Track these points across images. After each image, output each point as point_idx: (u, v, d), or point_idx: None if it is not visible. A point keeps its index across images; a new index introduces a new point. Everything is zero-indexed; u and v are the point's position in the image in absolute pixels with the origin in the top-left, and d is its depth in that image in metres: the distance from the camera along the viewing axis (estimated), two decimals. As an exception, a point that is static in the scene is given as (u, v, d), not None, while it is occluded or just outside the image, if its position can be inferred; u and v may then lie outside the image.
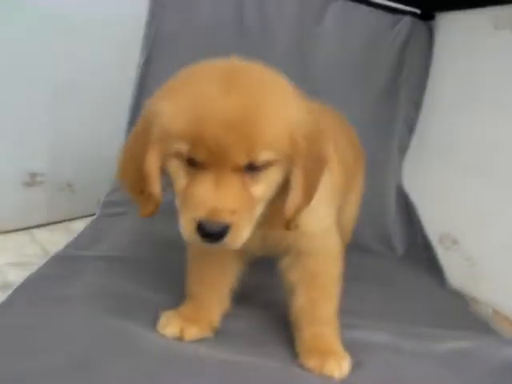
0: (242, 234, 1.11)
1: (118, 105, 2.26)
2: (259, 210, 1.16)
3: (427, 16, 2.58)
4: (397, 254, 2.49)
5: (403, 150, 2.62)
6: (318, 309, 1.38)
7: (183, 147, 1.08)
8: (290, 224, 1.22)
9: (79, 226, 2.01)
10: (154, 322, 1.37)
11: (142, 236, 1.99)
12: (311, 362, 1.30)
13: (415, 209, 2.53)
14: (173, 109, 1.09)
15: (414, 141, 2.62)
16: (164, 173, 1.17)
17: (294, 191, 1.16)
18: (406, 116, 2.59)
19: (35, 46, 1.95)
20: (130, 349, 1.19)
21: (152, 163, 1.14)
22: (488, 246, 2.16)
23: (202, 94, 1.08)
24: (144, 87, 2.30)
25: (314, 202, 1.23)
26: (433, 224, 2.46)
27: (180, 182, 1.13)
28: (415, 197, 2.56)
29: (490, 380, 1.37)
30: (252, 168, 1.10)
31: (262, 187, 1.13)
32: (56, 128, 2.03)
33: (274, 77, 1.19)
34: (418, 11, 2.59)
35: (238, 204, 1.09)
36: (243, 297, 1.53)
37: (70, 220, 2.13)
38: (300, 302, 1.38)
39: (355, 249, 2.07)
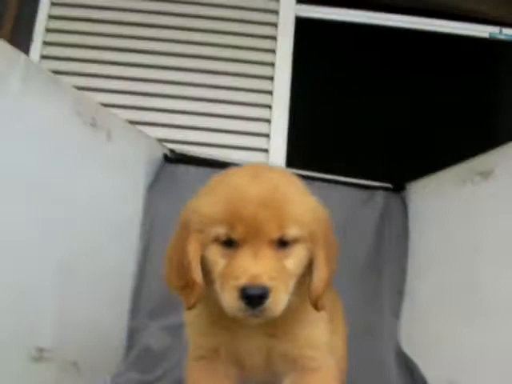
0: (281, 299, 1.21)
1: (121, 288, 2.42)
2: (293, 283, 1.26)
3: (399, 187, 2.84)
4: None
5: (396, 313, 2.69)
6: None
7: (221, 230, 1.23)
8: (317, 303, 1.31)
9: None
10: None
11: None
12: None
13: (416, 366, 2.51)
14: (210, 200, 1.26)
15: (406, 303, 2.68)
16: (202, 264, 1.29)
17: (319, 270, 1.29)
18: (393, 283, 2.70)
19: (40, 224, 2.02)
20: None
21: (193, 252, 1.28)
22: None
23: (235, 184, 1.28)
24: (143, 273, 2.49)
25: (316, 316, 1.37)
26: (436, 375, 2.40)
27: (219, 264, 1.25)
28: (416, 352, 2.55)
29: None
30: (283, 243, 1.25)
31: (293, 261, 1.27)
32: (63, 304, 2.08)
33: (289, 173, 1.46)
34: (389, 185, 2.85)
35: (276, 271, 1.21)
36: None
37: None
38: None
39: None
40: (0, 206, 1.88)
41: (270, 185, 1.28)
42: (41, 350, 2.02)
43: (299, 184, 1.41)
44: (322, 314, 1.42)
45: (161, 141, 2.73)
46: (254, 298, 1.17)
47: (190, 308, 1.34)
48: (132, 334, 2.43)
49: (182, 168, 2.68)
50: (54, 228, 2.08)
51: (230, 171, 1.37)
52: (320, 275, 1.30)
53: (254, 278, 1.17)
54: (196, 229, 1.27)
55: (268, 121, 3.03)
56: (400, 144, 3.58)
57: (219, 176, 1.36)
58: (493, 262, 2.15)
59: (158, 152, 2.65)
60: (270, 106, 3.05)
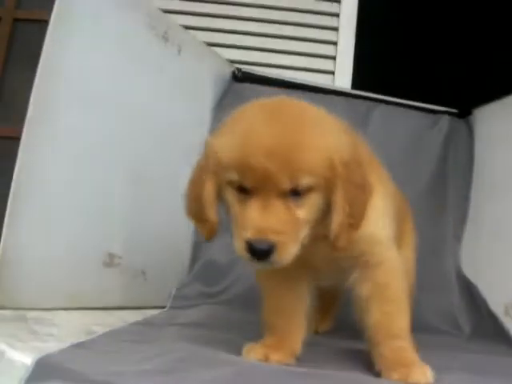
0: (288, 252, 1.20)
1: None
2: (305, 231, 1.25)
3: (465, 113, 2.82)
4: (464, 332, 2.47)
5: (458, 237, 2.70)
6: (395, 322, 1.39)
7: (234, 176, 1.22)
8: (335, 244, 1.28)
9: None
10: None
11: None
12: (396, 375, 1.30)
13: (477, 289, 2.54)
14: (224, 143, 1.24)
15: (469, 228, 2.68)
16: (222, 201, 1.31)
17: (336, 214, 1.25)
18: (456, 207, 2.71)
19: (116, 136, 2.09)
20: (213, 360, 1.22)
21: (209, 192, 1.29)
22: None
23: (248, 128, 1.24)
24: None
25: (378, 212, 1.37)
26: (495, 297, 2.43)
27: (234, 208, 1.25)
28: (476, 275, 2.58)
29: None
30: (295, 193, 1.21)
31: (305, 210, 1.23)
32: (133, 215, 2.16)
33: (314, 110, 1.36)
34: (455, 110, 2.84)
35: (283, 225, 1.19)
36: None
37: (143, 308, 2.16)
38: (375, 317, 1.38)
39: (423, 330, 2.01)
40: (78, 117, 1.96)
41: (284, 128, 1.23)
42: (112, 255, 2.12)
43: (323, 124, 1.31)
44: (385, 210, 1.44)
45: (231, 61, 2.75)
46: (258, 252, 1.17)
47: (207, 240, 1.40)
48: (197, 247, 2.50)
49: (248, 87, 2.70)
50: (128, 139, 2.14)
51: (250, 107, 1.34)
52: (337, 219, 1.26)
53: (259, 233, 1.17)
54: (213, 170, 1.28)
55: (334, 43, 3.01)
56: (467, 69, 3.52)
57: (238, 112, 1.34)
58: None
59: (226, 70, 2.68)
60: (336, 29, 3.02)
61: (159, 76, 2.27)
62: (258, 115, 1.27)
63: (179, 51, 2.34)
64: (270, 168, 1.18)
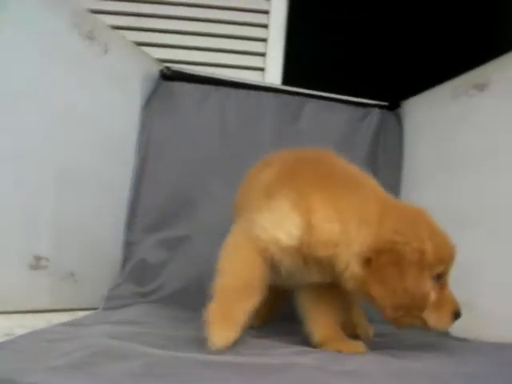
0: None
1: (118, 201, 2.47)
2: None
3: (394, 105, 2.86)
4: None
5: None
6: None
7: (441, 269, 1.44)
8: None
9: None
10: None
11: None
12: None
13: None
14: (438, 245, 1.43)
15: None
16: None
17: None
18: None
19: (41, 135, 2.05)
20: (127, 354, 1.21)
21: (429, 290, 1.43)
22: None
23: (439, 232, 1.48)
24: (140, 188, 2.52)
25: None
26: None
27: (429, 296, 1.42)
28: None
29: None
30: None
31: None
32: (61, 216, 2.12)
33: None
34: (385, 103, 2.87)
35: None
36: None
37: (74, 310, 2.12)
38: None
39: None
40: (1, 117, 1.90)
41: None
42: (38, 258, 2.06)
43: None
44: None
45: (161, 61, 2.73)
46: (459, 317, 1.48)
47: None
48: (128, 248, 2.48)
49: (177, 85, 2.68)
50: (53, 138, 2.10)
51: (420, 215, 1.51)
52: None
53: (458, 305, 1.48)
54: (427, 268, 1.41)
55: (264, 40, 3.01)
56: (399, 62, 3.54)
57: (413, 215, 1.49)
58: (483, 173, 2.18)
59: (154, 69, 2.65)
60: (266, 26, 3.03)
61: (86, 76, 2.24)
62: (431, 221, 1.50)
63: (106, 50, 2.31)
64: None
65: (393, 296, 1.37)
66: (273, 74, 2.98)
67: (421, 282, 1.39)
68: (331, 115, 2.78)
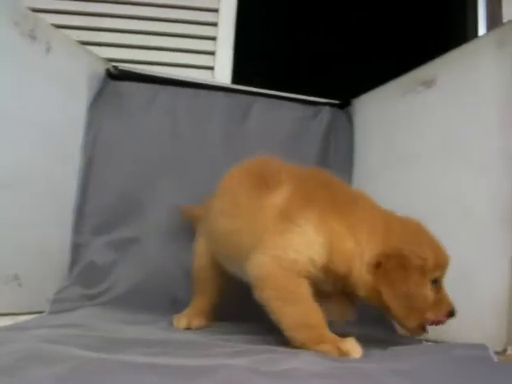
0: None
1: (64, 204, 2.41)
2: None
3: (345, 103, 2.86)
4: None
5: None
6: None
7: (439, 273, 1.60)
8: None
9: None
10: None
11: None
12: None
13: None
14: (436, 252, 1.61)
15: None
16: None
17: None
18: None
19: None
20: (58, 357, 1.18)
21: (430, 295, 1.59)
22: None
23: (434, 240, 1.64)
24: (86, 189, 2.47)
25: None
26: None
27: (429, 298, 1.57)
28: None
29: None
30: None
31: None
32: (3, 219, 2.06)
33: None
34: (336, 101, 2.87)
35: None
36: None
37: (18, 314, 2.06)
38: None
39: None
40: None
41: None
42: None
43: None
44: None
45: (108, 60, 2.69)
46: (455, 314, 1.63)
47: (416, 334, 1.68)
48: (76, 250, 2.43)
49: (125, 85, 2.64)
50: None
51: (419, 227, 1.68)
52: None
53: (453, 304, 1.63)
54: (428, 273, 1.57)
55: (214, 38, 2.99)
56: (350, 60, 3.55)
57: (414, 226, 1.67)
58: (433, 167, 2.20)
59: (100, 68, 2.60)
60: (215, 24, 3.00)
61: (28, 75, 2.18)
62: (428, 232, 1.67)
63: (48, 49, 2.27)
64: None
65: (400, 297, 1.52)
66: (222, 72, 2.95)
67: (422, 286, 1.55)
68: (280, 113, 2.77)
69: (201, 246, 2.12)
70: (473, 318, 1.81)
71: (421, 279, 1.54)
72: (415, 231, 1.63)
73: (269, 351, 1.44)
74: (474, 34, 3.25)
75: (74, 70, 2.45)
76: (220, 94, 2.74)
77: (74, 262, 2.41)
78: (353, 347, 1.48)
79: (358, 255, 1.57)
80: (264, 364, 1.24)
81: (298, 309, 1.52)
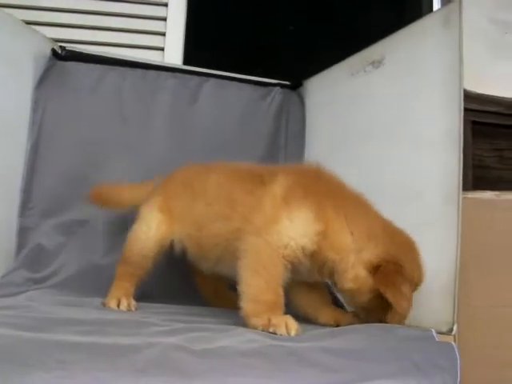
0: None
1: (10, 186, 2.36)
2: None
3: (296, 84, 2.85)
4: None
5: None
6: None
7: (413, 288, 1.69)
8: None
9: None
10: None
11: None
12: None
13: None
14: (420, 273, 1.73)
15: None
16: None
17: None
18: None
19: None
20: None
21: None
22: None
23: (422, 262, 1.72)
24: (33, 171, 2.42)
25: None
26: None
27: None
28: None
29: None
30: None
31: None
32: None
33: None
34: (287, 83, 2.86)
35: None
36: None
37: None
38: None
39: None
40: None
41: None
42: None
43: None
44: None
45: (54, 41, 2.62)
46: None
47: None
48: (23, 234, 2.39)
49: (72, 65, 2.58)
50: None
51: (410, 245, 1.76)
52: None
53: None
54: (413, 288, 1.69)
55: (164, 19, 2.95)
56: (302, 41, 3.52)
57: (409, 243, 1.75)
58: (380, 147, 2.22)
59: (46, 48, 2.54)
60: (166, 4, 2.96)
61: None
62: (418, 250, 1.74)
63: (-11, 28, 2.22)
64: None
65: (402, 294, 1.61)
66: (173, 53, 2.92)
67: (410, 295, 1.64)
68: (230, 94, 2.75)
69: (157, 221, 2.13)
70: (422, 298, 1.79)
71: (409, 289, 1.64)
72: (410, 248, 1.72)
73: (203, 329, 1.44)
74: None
75: (17, 49, 2.39)
76: (169, 74, 2.70)
77: (20, 245, 2.37)
78: (285, 323, 1.51)
79: (353, 249, 1.66)
80: (195, 342, 1.23)
81: (261, 283, 1.60)
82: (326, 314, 1.87)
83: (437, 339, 1.48)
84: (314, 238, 1.65)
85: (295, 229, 1.65)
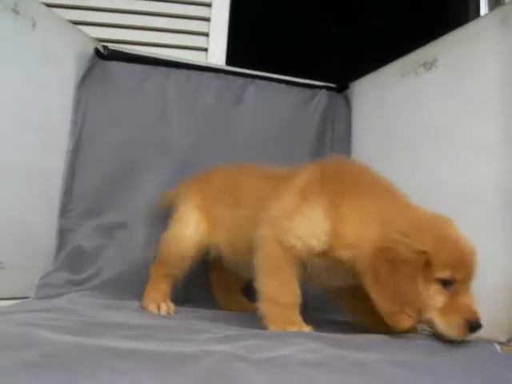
0: None
1: (51, 187, 2.32)
2: None
3: (342, 87, 2.79)
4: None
5: None
6: None
7: (452, 274, 1.45)
8: None
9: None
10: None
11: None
12: None
13: None
14: (448, 251, 1.47)
15: None
16: None
17: None
18: None
19: None
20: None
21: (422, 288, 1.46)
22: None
23: (450, 231, 1.52)
24: (74, 172, 2.39)
25: None
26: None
27: (438, 300, 1.47)
28: None
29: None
30: None
31: None
32: None
33: None
34: (333, 85, 2.80)
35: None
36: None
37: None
38: None
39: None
40: None
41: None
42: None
43: None
44: None
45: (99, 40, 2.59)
46: (477, 329, 1.43)
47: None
48: (62, 235, 2.35)
49: (114, 65, 2.54)
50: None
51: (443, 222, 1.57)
52: None
53: (478, 315, 1.44)
54: (428, 269, 1.46)
55: (208, 19, 2.91)
56: (348, 43, 3.47)
57: (429, 220, 1.55)
58: (433, 150, 2.15)
59: (89, 47, 2.50)
60: (209, 4, 2.92)
61: (11, 52, 2.10)
62: (450, 226, 1.54)
63: (33, 25, 2.18)
64: (475, 263, 1.48)
65: (385, 290, 1.45)
66: (216, 54, 2.87)
67: (414, 281, 1.44)
68: (275, 96, 2.71)
69: (196, 221, 2.13)
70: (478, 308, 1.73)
71: (412, 273, 1.46)
72: (423, 224, 1.53)
73: (256, 336, 1.38)
74: (476, 15, 3.17)
75: (61, 47, 2.35)
76: (212, 75, 2.66)
77: (60, 246, 2.33)
78: None
79: (361, 244, 1.55)
80: (252, 350, 1.17)
81: (274, 283, 1.61)
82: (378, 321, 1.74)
83: (499, 351, 1.42)
84: (322, 237, 1.60)
85: (304, 228, 1.62)
